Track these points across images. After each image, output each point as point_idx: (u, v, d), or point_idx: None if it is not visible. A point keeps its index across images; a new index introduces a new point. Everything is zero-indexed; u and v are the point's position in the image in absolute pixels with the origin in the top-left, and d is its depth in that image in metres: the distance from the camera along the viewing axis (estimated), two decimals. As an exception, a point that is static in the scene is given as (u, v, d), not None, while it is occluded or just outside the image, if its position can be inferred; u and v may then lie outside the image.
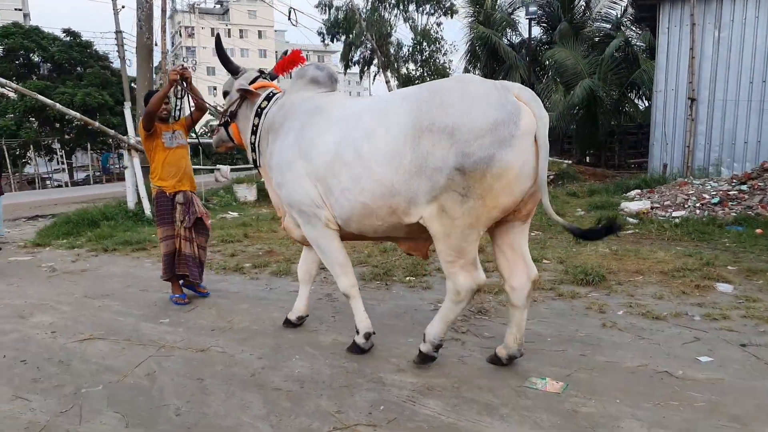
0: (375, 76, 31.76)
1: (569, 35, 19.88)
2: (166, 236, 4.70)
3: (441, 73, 32.96)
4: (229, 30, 63.91)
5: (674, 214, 8.40)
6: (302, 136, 3.37)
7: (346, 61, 31.42)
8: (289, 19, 20.43)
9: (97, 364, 3.48)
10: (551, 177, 13.20)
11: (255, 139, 3.79)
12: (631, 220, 8.42)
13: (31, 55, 28.57)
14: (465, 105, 2.76)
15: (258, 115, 3.77)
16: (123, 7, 28.52)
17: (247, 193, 13.01)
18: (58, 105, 8.78)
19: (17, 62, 28.60)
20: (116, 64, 31.01)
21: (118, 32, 28.12)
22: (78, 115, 8.65)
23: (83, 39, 29.76)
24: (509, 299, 3.11)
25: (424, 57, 32.78)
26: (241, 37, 65.61)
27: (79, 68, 29.25)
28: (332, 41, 30.53)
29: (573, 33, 20.11)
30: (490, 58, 22.79)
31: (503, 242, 3.10)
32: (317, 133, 3.31)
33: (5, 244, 8.20)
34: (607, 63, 17.15)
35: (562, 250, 6.17)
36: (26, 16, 54.25)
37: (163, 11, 9.09)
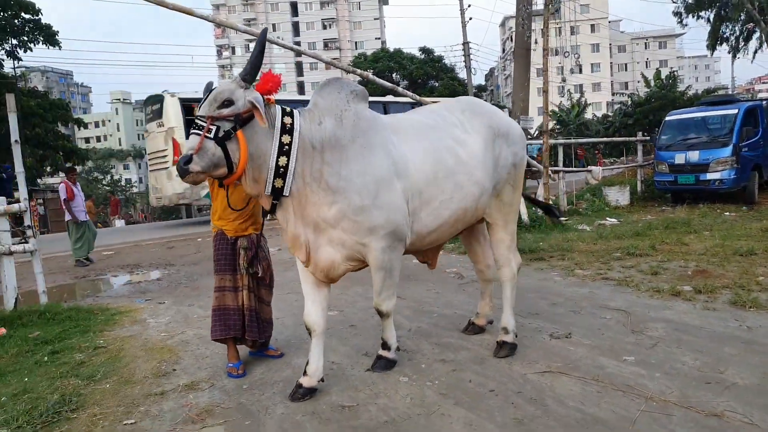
0: (755, 52, 26.35)
1: None
2: (221, 287, 3.90)
3: None
4: (559, 28, 62.15)
5: None
6: (390, 152, 3.23)
7: (714, 39, 26.96)
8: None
9: (578, 411, 2.89)
10: None
11: (287, 160, 3.03)
12: None
13: (394, 74, 32.60)
14: (507, 118, 3.89)
15: (288, 132, 3.05)
16: (470, 18, 30.22)
17: (618, 196, 11.76)
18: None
19: (381, 82, 33.34)
20: (461, 74, 33.12)
21: (465, 43, 29.90)
22: (417, 96, 8.49)
23: (435, 54, 32.65)
24: (484, 276, 4.13)
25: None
26: (572, 33, 63.18)
27: (431, 81, 32.16)
28: (696, 19, 26.57)
29: None
30: None
31: (479, 232, 4.06)
32: (407, 149, 3.30)
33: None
34: None
35: None
36: (383, 43, 63.11)
37: (547, 5, 8.57)
